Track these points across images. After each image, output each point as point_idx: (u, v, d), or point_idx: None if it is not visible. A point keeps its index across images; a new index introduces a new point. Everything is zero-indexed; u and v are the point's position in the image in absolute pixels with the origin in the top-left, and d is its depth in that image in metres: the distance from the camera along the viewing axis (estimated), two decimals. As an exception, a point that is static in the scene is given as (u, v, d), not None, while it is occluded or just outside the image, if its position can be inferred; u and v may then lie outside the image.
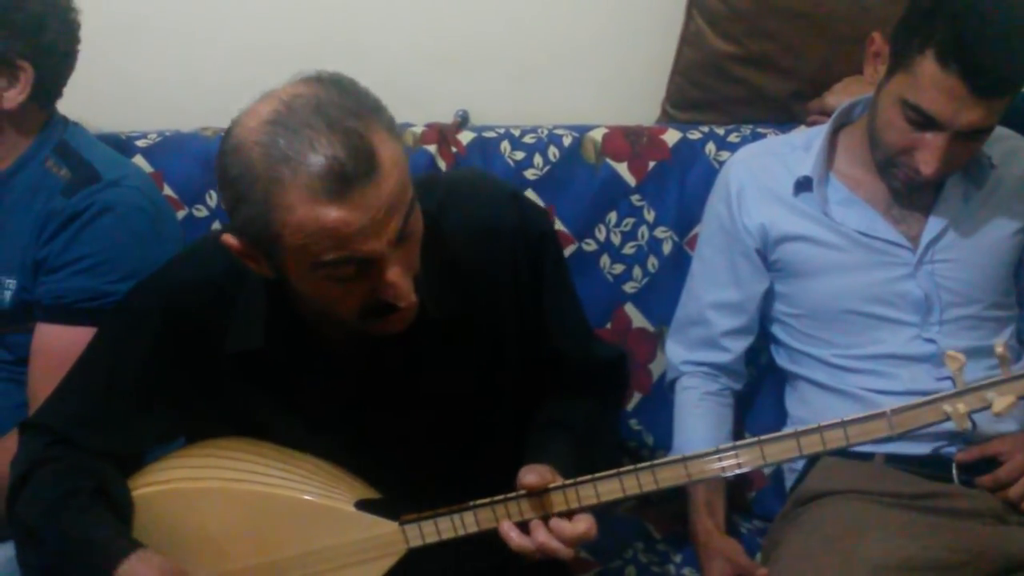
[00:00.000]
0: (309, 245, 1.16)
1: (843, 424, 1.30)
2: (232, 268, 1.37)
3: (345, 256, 1.17)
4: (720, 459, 1.31)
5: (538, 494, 1.30)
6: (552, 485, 1.30)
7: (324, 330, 1.37)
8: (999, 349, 1.30)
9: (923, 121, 1.58)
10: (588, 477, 1.30)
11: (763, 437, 1.31)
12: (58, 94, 1.72)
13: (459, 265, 1.37)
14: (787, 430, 1.32)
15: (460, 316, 1.37)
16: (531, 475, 1.29)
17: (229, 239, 1.24)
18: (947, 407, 1.29)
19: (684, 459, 1.32)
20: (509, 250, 1.40)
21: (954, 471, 1.66)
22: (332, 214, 1.14)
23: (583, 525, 1.28)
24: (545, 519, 1.30)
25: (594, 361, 1.52)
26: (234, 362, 1.38)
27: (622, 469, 1.31)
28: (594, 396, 1.51)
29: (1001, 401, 1.27)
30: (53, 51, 1.67)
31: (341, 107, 1.16)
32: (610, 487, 1.30)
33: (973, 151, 1.65)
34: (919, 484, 1.64)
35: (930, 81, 1.55)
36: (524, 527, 1.31)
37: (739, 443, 1.32)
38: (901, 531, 1.56)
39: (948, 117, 1.55)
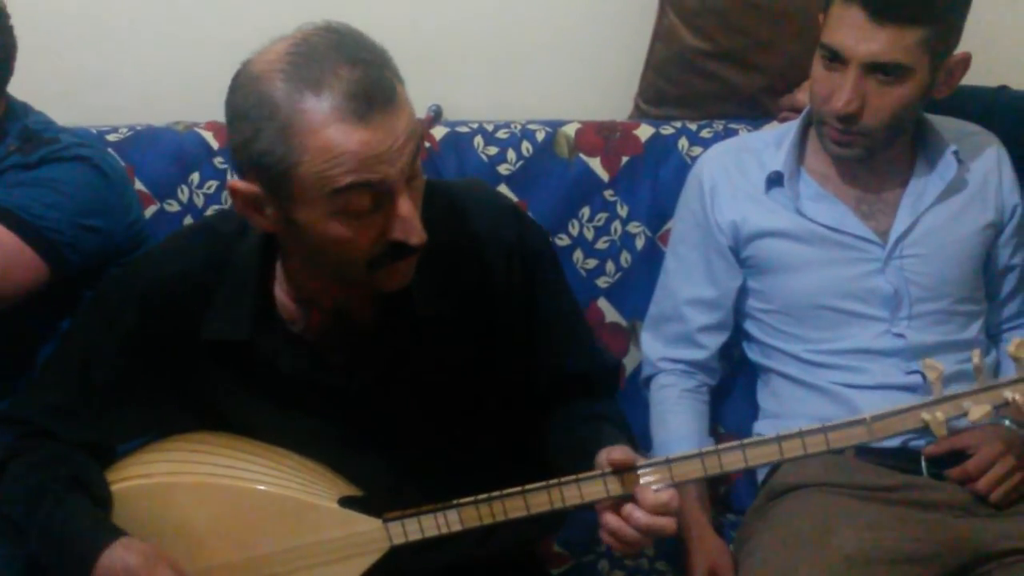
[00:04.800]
0: (329, 170, 1.16)
1: (823, 429, 1.30)
2: (210, 260, 1.37)
3: (363, 180, 1.17)
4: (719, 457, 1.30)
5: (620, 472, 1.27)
6: (640, 463, 1.27)
7: (308, 322, 1.37)
8: (975, 360, 1.31)
9: (832, 57, 1.63)
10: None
11: (745, 440, 1.30)
12: (7, 79, 1.68)
13: (454, 270, 1.38)
14: (769, 435, 1.31)
15: (448, 318, 1.37)
16: (617, 451, 1.27)
17: (236, 184, 1.24)
18: (926, 415, 1.30)
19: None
20: (505, 262, 1.41)
21: (923, 464, 1.67)
22: (356, 135, 1.16)
23: (666, 494, 1.25)
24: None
25: (601, 371, 1.54)
26: (213, 355, 1.37)
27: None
28: (607, 398, 1.53)
29: (977, 410, 1.29)
30: None
31: (357, 45, 1.20)
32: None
33: (893, 101, 1.63)
34: (889, 476, 1.66)
35: (836, 18, 1.62)
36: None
37: (740, 442, 1.31)
38: (871, 523, 1.57)
39: (850, 47, 1.60)
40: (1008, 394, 1.29)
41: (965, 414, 1.30)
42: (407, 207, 1.21)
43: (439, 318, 1.36)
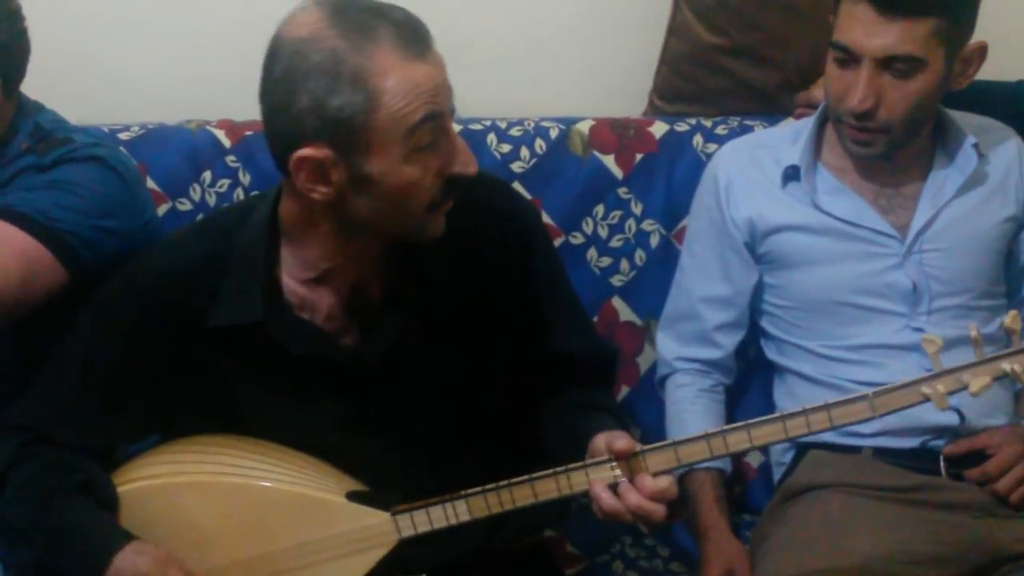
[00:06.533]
0: (405, 107, 1.21)
1: (827, 407, 1.31)
2: (211, 253, 1.38)
3: (432, 112, 1.23)
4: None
5: (625, 459, 1.28)
6: (639, 448, 1.28)
7: (316, 306, 1.38)
8: (973, 333, 1.33)
9: (845, 56, 1.62)
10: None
11: (750, 421, 1.31)
12: (20, 80, 1.67)
13: (456, 239, 1.39)
14: (773, 414, 1.32)
15: (453, 292, 1.38)
16: (621, 440, 1.28)
17: (305, 152, 1.24)
18: (926, 389, 1.31)
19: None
20: (500, 233, 1.44)
21: (942, 464, 1.66)
22: (420, 69, 1.23)
23: (665, 481, 1.27)
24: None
25: (600, 355, 1.54)
26: (219, 345, 1.37)
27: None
28: (606, 389, 1.54)
29: (977, 382, 1.31)
30: (6, 47, 1.62)
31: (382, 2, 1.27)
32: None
33: (910, 94, 1.62)
34: (907, 477, 1.64)
35: (846, 16, 1.61)
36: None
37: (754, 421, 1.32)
38: (889, 524, 1.56)
39: (861, 44, 1.59)
40: (1006, 366, 1.31)
41: (965, 387, 1.31)
42: (461, 139, 1.28)
43: (444, 294, 1.37)
